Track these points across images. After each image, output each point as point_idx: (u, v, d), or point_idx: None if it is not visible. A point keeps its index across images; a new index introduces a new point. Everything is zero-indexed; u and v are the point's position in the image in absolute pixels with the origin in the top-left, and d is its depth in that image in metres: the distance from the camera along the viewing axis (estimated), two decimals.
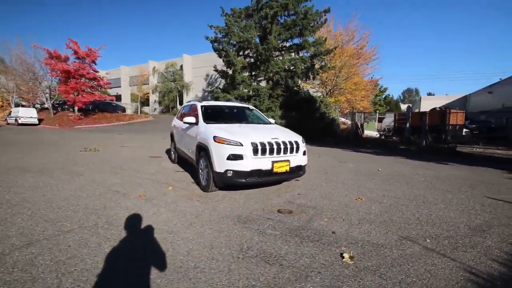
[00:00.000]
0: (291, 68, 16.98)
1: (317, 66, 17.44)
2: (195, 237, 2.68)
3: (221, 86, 31.69)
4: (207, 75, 33.58)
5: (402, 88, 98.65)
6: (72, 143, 10.38)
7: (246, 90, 18.08)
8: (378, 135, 19.10)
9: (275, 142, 3.99)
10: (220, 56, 18.86)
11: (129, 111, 32.48)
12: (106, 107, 25.58)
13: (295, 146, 4.20)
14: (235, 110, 5.82)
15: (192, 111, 5.67)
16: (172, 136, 6.82)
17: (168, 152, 8.55)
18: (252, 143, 3.84)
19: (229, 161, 3.80)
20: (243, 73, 18.12)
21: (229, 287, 1.90)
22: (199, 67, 33.44)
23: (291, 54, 18.59)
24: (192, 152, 4.93)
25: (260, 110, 16.41)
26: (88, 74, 19.75)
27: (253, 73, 18.99)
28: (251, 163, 3.79)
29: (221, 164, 3.84)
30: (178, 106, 35.97)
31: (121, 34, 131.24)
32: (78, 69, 19.44)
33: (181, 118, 6.42)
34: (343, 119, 23.09)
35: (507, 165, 7.99)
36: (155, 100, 37.35)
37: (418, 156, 9.83)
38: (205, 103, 5.53)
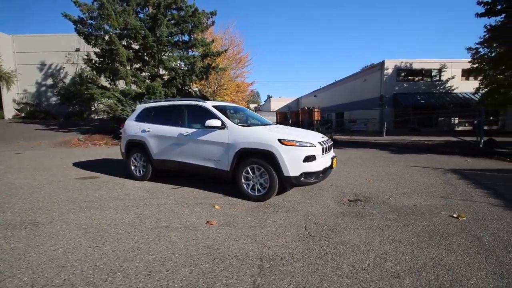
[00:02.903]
0: (187, 66, 16.14)
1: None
2: (368, 240, 2.65)
3: (67, 80, 24.83)
4: (43, 64, 24.93)
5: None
6: None
7: (135, 87, 15.41)
8: None
9: (326, 140, 4.27)
10: (88, 42, 14.92)
11: None
12: None
13: (332, 143, 4.65)
14: (239, 111, 5.33)
15: (190, 113, 4.71)
16: (138, 146, 5.15)
17: (102, 168, 6.32)
18: (319, 143, 3.94)
19: (305, 163, 3.71)
20: (127, 66, 15.25)
21: (468, 261, 2.27)
22: (28, 52, 24.16)
23: (180, 51, 17.61)
24: (218, 161, 4.19)
25: None
26: None
27: (135, 66, 16.41)
28: (321, 162, 3.89)
29: (296, 167, 3.67)
30: None
31: None
32: None
33: (154, 122, 5.06)
34: None
35: (367, 146, 11.99)
36: None
37: None
38: (211, 103, 4.72)
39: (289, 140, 3.75)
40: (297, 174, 3.68)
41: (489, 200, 3.92)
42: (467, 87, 22.87)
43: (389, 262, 2.24)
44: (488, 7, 10.09)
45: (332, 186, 4.80)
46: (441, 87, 24.26)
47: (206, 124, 4.15)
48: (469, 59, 20.32)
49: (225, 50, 18.46)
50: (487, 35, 17.88)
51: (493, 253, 2.37)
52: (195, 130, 4.47)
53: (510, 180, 5.20)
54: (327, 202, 3.87)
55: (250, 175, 3.96)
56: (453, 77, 24.06)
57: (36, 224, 3.06)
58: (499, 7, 9.95)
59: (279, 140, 3.74)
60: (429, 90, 24.06)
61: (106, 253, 2.38)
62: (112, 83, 15.79)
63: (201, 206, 3.73)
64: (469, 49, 19.76)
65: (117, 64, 14.44)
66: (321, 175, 4.00)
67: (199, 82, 19.01)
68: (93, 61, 15.03)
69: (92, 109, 24.87)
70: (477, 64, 19.69)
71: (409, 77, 24.44)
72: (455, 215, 3.27)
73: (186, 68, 16.09)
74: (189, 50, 17.48)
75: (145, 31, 14.11)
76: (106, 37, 14.96)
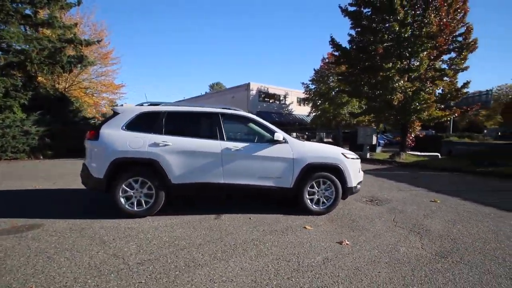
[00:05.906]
0: (48, 51, 11.34)
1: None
2: (448, 225, 3.65)
3: None
4: None
5: None
6: None
7: None
8: None
9: None
10: None
11: None
12: None
13: None
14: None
15: (230, 124, 4.02)
16: (143, 166, 3.49)
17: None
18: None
19: (359, 174, 4.27)
20: None
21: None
22: None
23: (23, 27, 12.17)
24: (279, 179, 3.86)
25: None
26: None
27: None
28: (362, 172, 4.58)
29: (356, 178, 4.14)
30: None
31: None
32: None
33: (171, 133, 3.77)
34: None
35: None
36: None
37: None
38: (247, 114, 4.17)
39: (349, 154, 4.18)
40: (356, 184, 4.18)
41: (420, 189, 6.15)
42: (301, 110, 31.08)
43: (489, 241, 3.32)
44: (336, 59, 15.08)
45: None
46: (286, 109, 31.46)
47: (275, 138, 3.73)
48: (303, 91, 27.88)
49: (99, 41, 14.67)
50: (314, 76, 25.73)
51: (496, 216, 4.07)
52: (246, 144, 3.82)
53: (399, 176, 8.15)
54: (361, 205, 4.61)
55: (315, 189, 3.98)
56: (292, 103, 31.89)
57: None
58: (341, 60, 15.02)
59: (343, 154, 4.09)
60: (279, 111, 30.52)
61: None
62: None
63: (295, 230, 3.35)
64: (303, 83, 27.16)
65: None
66: None
67: (57, 75, 13.77)
68: None
69: None
70: (308, 95, 27.47)
71: (266, 99, 29.86)
72: (432, 200, 5.02)
73: (45, 54, 11.26)
74: (40, 29, 12.44)
75: None
76: None
